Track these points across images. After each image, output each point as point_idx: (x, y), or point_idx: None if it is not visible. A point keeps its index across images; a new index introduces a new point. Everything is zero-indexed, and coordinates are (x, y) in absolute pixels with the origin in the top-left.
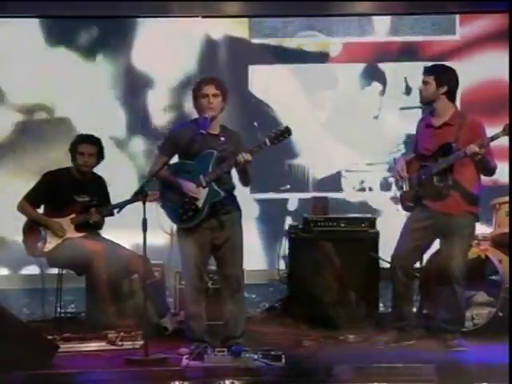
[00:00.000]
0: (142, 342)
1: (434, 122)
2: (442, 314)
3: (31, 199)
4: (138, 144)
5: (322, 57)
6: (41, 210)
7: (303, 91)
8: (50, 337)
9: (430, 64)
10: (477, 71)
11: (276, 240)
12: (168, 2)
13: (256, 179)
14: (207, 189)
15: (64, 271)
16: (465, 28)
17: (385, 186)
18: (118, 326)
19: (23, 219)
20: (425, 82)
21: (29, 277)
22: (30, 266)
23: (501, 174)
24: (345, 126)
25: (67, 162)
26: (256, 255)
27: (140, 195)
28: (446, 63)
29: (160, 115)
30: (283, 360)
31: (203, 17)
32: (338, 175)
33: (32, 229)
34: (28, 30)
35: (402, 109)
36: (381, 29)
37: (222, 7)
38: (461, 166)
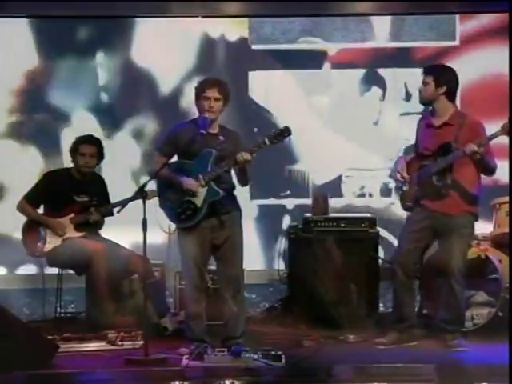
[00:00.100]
0: (141, 342)
1: (433, 122)
2: (442, 314)
3: (31, 199)
4: (138, 144)
5: (321, 62)
6: (40, 210)
7: (303, 97)
8: (50, 337)
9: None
10: (476, 73)
11: (276, 240)
12: (168, 1)
13: (256, 185)
14: (206, 188)
15: (64, 271)
16: (465, 33)
17: (385, 192)
18: (117, 326)
19: (23, 218)
20: (424, 83)
21: (29, 277)
22: (29, 266)
23: (501, 174)
24: (345, 132)
25: (67, 162)
26: (256, 255)
27: (139, 195)
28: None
29: (160, 115)
30: (283, 360)
31: (203, 17)
32: (338, 181)
33: (31, 229)
34: (28, 29)
35: (403, 115)
36: (380, 34)
37: (222, 7)
38: (460, 165)
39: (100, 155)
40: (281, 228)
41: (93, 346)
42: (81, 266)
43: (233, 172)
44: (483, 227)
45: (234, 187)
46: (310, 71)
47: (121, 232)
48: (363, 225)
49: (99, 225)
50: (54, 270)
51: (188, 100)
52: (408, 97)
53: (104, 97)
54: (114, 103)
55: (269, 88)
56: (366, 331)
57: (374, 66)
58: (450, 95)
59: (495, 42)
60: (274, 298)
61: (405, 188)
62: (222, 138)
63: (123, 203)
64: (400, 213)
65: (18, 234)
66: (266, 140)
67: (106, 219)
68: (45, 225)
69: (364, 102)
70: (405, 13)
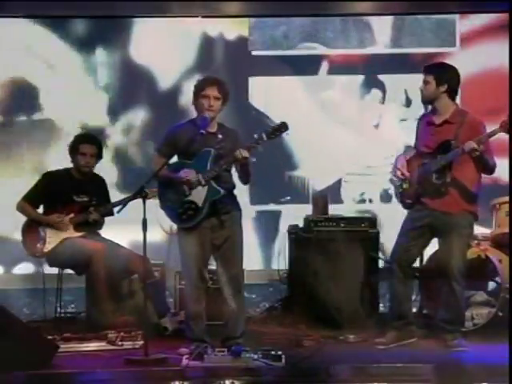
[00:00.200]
0: (142, 342)
1: (434, 120)
2: (442, 314)
3: (31, 199)
4: (138, 143)
5: (321, 68)
6: (40, 211)
7: (303, 102)
8: (50, 337)
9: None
10: (476, 77)
11: (276, 240)
12: (168, 1)
13: (256, 190)
14: (206, 187)
15: (64, 271)
16: (465, 39)
17: (385, 198)
18: (117, 326)
19: (22, 218)
20: (425, 82)
21: (29, 277)
22: (29, 265)
23: (501, 173)
24: (345, 137)
25: (66, 161)
26: (256, 255)
27: (139, 195)
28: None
29: (159, 115)
30: (283, 360)
31: (203, 17)
32: (338, 187)
33: (31, 229)
34: (28, 29)
35: (403, 120)
36: (380, 40)
37: (222, 7)
38: (460, 164)
39: (100, 155)
40: (281, 228)
41: (93, 345)
42: (80, 265)
43: (233, 171)
44: (483, 227)
45: (234, 187)
46: (309, 77)
47: (121, 232)
48: (363, 225)
49: (99, 224)
50: (54, 270)
51: (188, 100)
52: (408, 103)
53: (104, 96)
54: (114, 102)
55: (269, 93)
56: (366, 331)
57: (373, 71)
58: (451, 93)
59: (495, 47)
60: (273, 298)
61: (405, 186)
62: (220, 136)
63: (123, 203)
64: (400, 219)
65: (17, 234)
66: (264, 136)
67: (106, 219)
68: (45, 224)
69: (364, 107)
70: (405, 13)
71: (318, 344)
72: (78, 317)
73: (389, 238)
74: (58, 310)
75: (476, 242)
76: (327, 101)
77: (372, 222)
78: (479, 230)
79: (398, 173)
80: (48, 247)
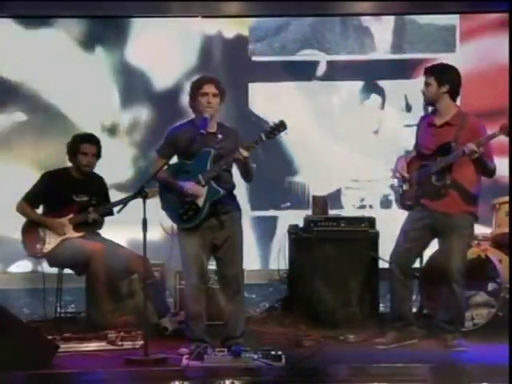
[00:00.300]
0: (142, 342)
1: (435, 121)
2: (442, 314)
3: (30, 200)
4: (137, 143)
5: (321, 74)
6: (39, 211)
7: (303, 108)
8: (50, 337)
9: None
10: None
11: (276, 240)
12: (168, 1)
13: (256, 196)
14: (207, 187)
15: (64, 271)
16: (465, 45)
17: (385, 204)
18: (117, 326)
19: (22, 218)
20: (426, 84)
21: (29, 277)
22: (28, 265)
23: (502, 172)
24: (345, 143)
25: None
26: (256, 255)
27: (139, 194)
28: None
29: (159, 115)
30: (283, 360)
31: (203, 17)
32: (338, 193)
33: (31, 230)
34: (28, 28)
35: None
36: (381, 46)
37: (222, 7)
38: (460, 165)
39: (99, 154)
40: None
41: (93, 345)
42: (80, 265)
43: (233, 171)
44: (483, 227)
45: (234, 187)
46: (309, 83)
47: (121, 232)
48: (363, 225)
49: (98, 224)
50: (54, 270)
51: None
52: (408, 108)
53: (104, 96)
54: (114, 102)
55: (268, 100)
56: (366, 331)
57: (373, 77)
58: (453, 94)
59: (496, 52)
60: (273, 298)
61: (405, 187)
62: (220, 136)
63: (122, 202)
64: (400, 225)
65: (17, 234)
66: (263, 135)
67: (107, 219)
68: (44, 225)
69: (364, 113)
70: (405, 13)
71: (318, 344)
72: (77, 317)
73: (389, 243)
74: (58, 310)
75: (476, 242)
76: (327, 106)
77: (372, 222)
78: (479, 230)
79: (398, 174)
80: (48, 247)
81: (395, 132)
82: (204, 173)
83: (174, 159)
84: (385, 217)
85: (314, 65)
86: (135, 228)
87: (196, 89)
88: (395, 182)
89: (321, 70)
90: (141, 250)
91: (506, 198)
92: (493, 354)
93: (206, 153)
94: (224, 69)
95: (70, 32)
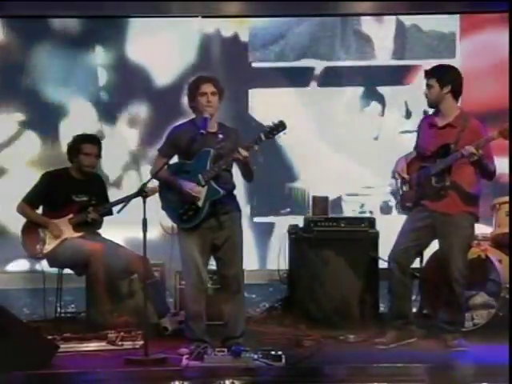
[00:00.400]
0: (142, 342)
1: (437, 122)
2: (442, 315)
3: (30, 200)
4: (137, 143)
5: (322, 80)
6: (39, 211)
7: (303, 114)
8: (50, 337)
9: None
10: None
11: (276, 240)
12: (168, 1)
13: (256, 202)
14: (206, 187)
15: (64, 271)
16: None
17: (385, 210)
18: (118, 326)
19: (22, 218)
20: (428, 86)
21: (29, 277)
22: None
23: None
24: (345, 149)
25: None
26: (256, 255)
27: (139, 194)
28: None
29: (159, 114)
30: (283, 360)
31: (203, 17)
32: (339, 199)
33: (31, 230)
34: (28, 28)
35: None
36: (380, 53)
37: (222, 7)
38: (459, 167)
39: (100, 155)
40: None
41: (93, 345)
42: (80, 266)
43: (233, 171)
44: (483, 227)
45: (234, 187)
46: (309, 89)
47: (121, 232)
48: (363, 225)
49: (98, 224)
50: (54, 270)
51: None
52: (408, 114)
53: (103, 95)
54: (113, 101)
55: (269, 106)
56: (366, 331)
57: (373, 83)
58: (455, 94)
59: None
60: (273, 298)
61: (405, 188)
62: (221, 136)
63: (121, 202)
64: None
65: (17, 234)
66: (262, 135)
67: (107, 219)
68: (44, 226)
69: (364, 119)
70: (405, 13)
71: (318, 344)
72: (77, 317)
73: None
74: (58, 310)
75: (476, 241)
76: (327, 113)
77: (372, 222)
78: (479, 230)
79: (398, 176)
80: (48, 248)
81: (395, 138)
82: (204, 172)
83: (175, 159)
84: (385, 223)
85: (313, 71)
86: (135, 228)
87: (194, 89)
88: (394, 183)
89: (320, 76)
90: (141, 249)
91: (506, 198)
92: (493, 354)
93: (205, 152)
94: (224, 75)
95: (69, 32)
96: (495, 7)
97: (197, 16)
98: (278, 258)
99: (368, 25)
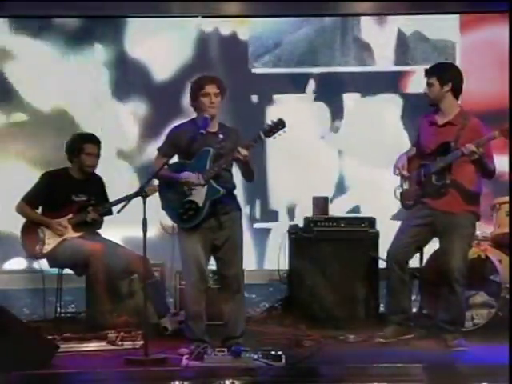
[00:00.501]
0: (142, 342)
1: (437, 120)
2: (442, 314)
3: (30, 200)
4: (136, 144)
5: (323, 87)
6: (38, 211)
7: (304, 121)
8: (50, 337)
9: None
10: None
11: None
12: (168, 1)
13: (256, 209)
14: (206, 187)
15: (64, 271)
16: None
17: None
18: (118, 326)
19: (22, 218)
20: (429, 84)
21: (29, 277)
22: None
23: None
24: (347, 155)
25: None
26: (256, 255)
27: (139, 194)
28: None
29: (158, 115)
30: (283, 360)
31: (203, 17)
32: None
33: (30, 230)
34: (28, 28)
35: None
36: (382, 59)
37: (222, 7)
38: (459, 165)
39: (100, 154)
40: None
41: (93, 346)
42: (79, 266)
43: (233, 171)
44: (483, 227)
45: (234, 187)
46: (310, 95)
47: (121, 232)
48: (363, 225)
49: (97, 224)
50: (54, 270)
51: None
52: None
53: (103, 95)
54: (113, 102)
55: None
56: (366, 331)
57: (376, 90)
58: (456, 92)
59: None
60: (273, 298)
61: (405, 186)
62: (221, 136)
63: (121, 202)
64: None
65: (17, 233)
66: (261, 134)
67: (107, 219)
68: (45, 225)
69: (364, 125)
70: (405, 13)
71: (318, 344)
72: (77, 317)
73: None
74: (58, 309)
75: (476, 241)
76: (331, 119)
77: (372, 222)
78: (479, 230)
79: (398, 172)
80: (47, 248)
81: (395, 144)
82: (204, 172)
83: (174, 159)
84: (385, 226)
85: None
86: (135, 228)
87: (198, 89)
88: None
89: (323, 82)
90: (141, 249)
91: (506, 198)
92: (493, 354)
93: (205, 152)
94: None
95: (70, 31)
96: (495, 7)
97: (197, 16)
98: (278, 258)
99: (367, 32)
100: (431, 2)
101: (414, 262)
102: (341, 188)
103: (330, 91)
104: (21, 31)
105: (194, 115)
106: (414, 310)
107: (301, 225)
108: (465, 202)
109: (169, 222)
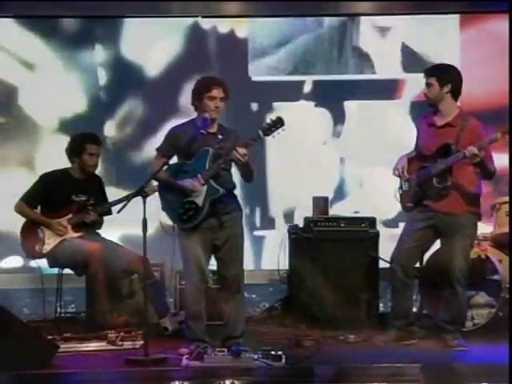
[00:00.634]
0: (142, 342)
1: (436, 121)
2: (443, 314)
3: (29, 200)
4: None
5: (326, 94)
6: (37, 211)
7: (309, 129)
8: (50, 337)
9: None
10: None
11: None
12: (168, 1)
13: (256, 216)
14: (206, 186)
15: (64, 271)
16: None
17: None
18: (118, 326)
19: (22, 218)
20: (428, 84)
21: (29, 277)
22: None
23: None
24: (350, 160)
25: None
26: (256, 255)
27: (139, 194)
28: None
29: (158, 114)
30: (283, 360)
31: (203, 17)
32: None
33: (30, 231)
34: (28, 28)
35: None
36: (381, 67)
37: (222, 7)
38: (460, 167)
39: (100, 154)
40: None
41: (93, 346)
42: (79, 266)
43: (233, 171)
44: (483, 227)
45: (234, 186)
46: (311, 102)
47: (121, 232)
48: (363, 225)
49: (97, 224)
50: (54, 270)
51: (186, 98)
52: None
53: (102, 95)
54: (112, 101)
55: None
56: (366, 331)
57: (380, 97)
58: (455, 93)
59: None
60: (273, 298)
61: (405, 188)
62: (220, 136)
63: (120, 202)
64: None
65: (16, 232)
66: (260, 133)
67: (107, 219)
68: (45, 225)
69: (366, 133)
70: (405, 13)
71: (318, 344)
72: (77, 317)
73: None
74: (58, 309)
75: (476, 241)
76: (334, 126)
77: (372, 222)
78: (479, 230)
79: (398, 174)
80: (47, 248)
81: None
82: (203, 172)
83: (174, 159)
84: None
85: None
86: (135, 228)
87: (204, 91)
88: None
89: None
90: (141, 249)
91: (506, 198)
92: (493, 354)
93: (204, 152)
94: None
95: (69, 31)
96: (495, 7)
97: (197, 16)
98: (278, 258)
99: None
100: (431, 2)
101: (416, 263)
102: (341, 192)
103: (331, 97)
104: (20, 31)
105: (192, 114)
106: (414, 309)
107: (301, 225)
108: (466, 203)
109: (169, 222)
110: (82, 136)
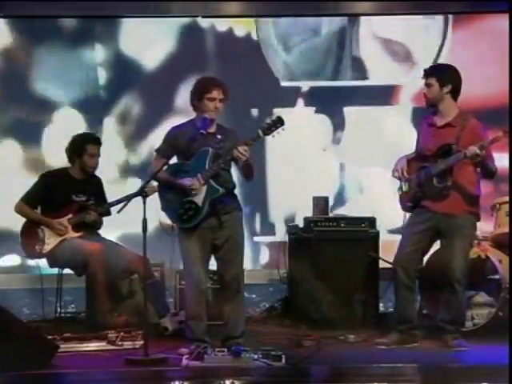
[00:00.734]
0: (142, 342)
1: (436, 122)
2: (443, 314)
3: (29, 200)
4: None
5: (327, 100)
6: (37, 211)
7: (309, 135)
8: (50, 337)
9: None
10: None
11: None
12: (168, 1)
13: (255, 221)
14: (205, 186)
15: (64, 271)
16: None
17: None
18: (118, 326)
19: (22, 218)
20: (428, 85)
21: (29, 277)
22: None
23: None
24: (355, 165)
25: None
26: (256, 255)
27: (139, 194)
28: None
29: (158, 114)
30: (283, 360)
31: (203, 17)
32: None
33: (30, 231)
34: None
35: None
36: (379, 73)
37: (222, 7)
38: (460, 167)
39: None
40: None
41: (93, 345)
42: (79, 266)
43: (233, 171)
44: (483, 227)
45: (234, 186)
46: (312, 107)
47: (121, 232)
48: (363, 225)
49: (97, 224)
50: (54, 270)
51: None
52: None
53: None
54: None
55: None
56: (366, 331)
57: (379, 102)
58: (455, 94)
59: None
60: (273, 298)
61: (404, 188)
62: (220, 136)
63: (121, 202)
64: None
65: (17, 234)
66: (260, 132)
67: (107, 219)
68: (46, 225)
69: (370, 139)
70: (405, 13)
71: (318, 344)
72: (77, 317)
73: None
74: (58, 309)
75: (476, 241)
76: (335, 132)
77: (372, 222)
78: (479, 230)
79: (397, 174)
80: (47, 248)
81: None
82: (203, 172)
83: (174, 159)
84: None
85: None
86: (135, 228)
87: (204, 91)
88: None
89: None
90: (141, 249)
91: (506, 198)
92: (493, 354)
93: (204, 152)
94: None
95: (70, 31)
96: (495, 7)
97: (197, 16)
98: (278, 258)
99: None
100: (431, 2)
101: (418, 265)
102: (341, 198)
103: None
104: (19, 31)
105: (191, 114)
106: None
107: (301, 225)
108: (466, 204)
109: (169, 221)
110: (83, 136)
